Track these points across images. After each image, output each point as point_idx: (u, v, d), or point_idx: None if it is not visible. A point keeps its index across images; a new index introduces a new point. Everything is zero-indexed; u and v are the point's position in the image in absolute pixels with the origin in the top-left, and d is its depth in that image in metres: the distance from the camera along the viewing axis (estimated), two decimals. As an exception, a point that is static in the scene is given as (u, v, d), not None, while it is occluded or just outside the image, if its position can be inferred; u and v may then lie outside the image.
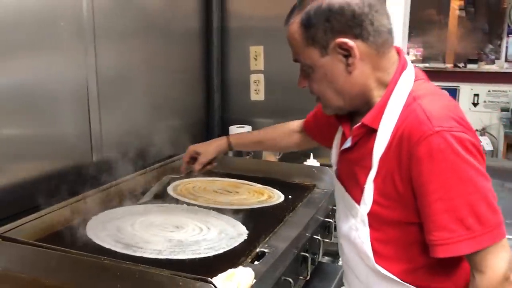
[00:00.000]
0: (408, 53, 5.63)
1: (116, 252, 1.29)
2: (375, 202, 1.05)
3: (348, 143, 1.13)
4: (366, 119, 1.06)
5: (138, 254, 1.28)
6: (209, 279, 1.04)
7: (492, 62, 5.34)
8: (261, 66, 2.50)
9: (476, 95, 5.16)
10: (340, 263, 1.68)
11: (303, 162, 2.18)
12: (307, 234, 1.48)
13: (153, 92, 2.14)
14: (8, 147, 1.47)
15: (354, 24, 1.00)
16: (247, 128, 2.43)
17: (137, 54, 2.02)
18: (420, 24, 5.58)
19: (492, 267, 0.94)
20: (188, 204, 1.71)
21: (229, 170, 2.10)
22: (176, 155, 2.09)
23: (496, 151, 5.02)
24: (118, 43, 1.90)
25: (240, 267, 1.13)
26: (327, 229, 1.67)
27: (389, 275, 1.07)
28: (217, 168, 2.08)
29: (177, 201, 1.74)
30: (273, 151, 2.15)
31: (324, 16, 1.00)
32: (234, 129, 2.42)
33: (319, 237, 1.54)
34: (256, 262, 1.23)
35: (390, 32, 1.05)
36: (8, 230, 1.33)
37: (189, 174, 1.73)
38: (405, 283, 1.06)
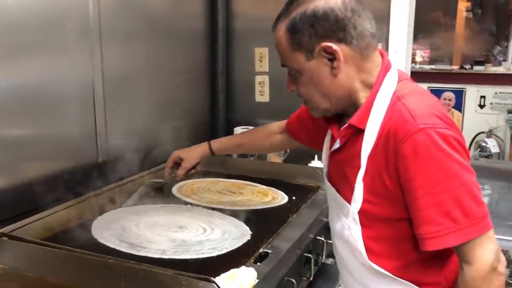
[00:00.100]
0: (415, 55, 5.62)
1: (120, 252, 1.30)
2: (365, 200, 1.08)
3: (337, 145, 1.16)
4: (353, 120, 1.09)
5: (142, 253, 1.29)
6: (212, 278, 1.05)
7: (499, 64, 5.31)
8: (266, 68, 2.51)
9: (483, 97, 5.13)
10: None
11: (307, 163, 2.19)
12: (310, 235, 1.49)
13: (158, 93, 2.16)
14: (14, 147, 1.49)
15: (337, 28, 1.03)
16: (252, 129, 2.44)
17: (142, 54, 2.04)
18: (427, 26, 5.56)
19: (480, 258, 0.97)
20: (192, 204, 1.72)
21: (233, 171, 2.11)
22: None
23: (502, 153, 4.99)
24: (124, 44, 1.92)
25: (243, 267, 1.14)
26: (331, 230, 1.67)
27: (383, 271, 1.10)
28: (221, 169, 2.10)
29: (181, 202, 1.75)
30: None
31: (308, 22, 1.04)
32: (239, 130, 2.42)
33: (322, 238, 1.54)
34: (259, 263, 1.24)
35: (373, 35, 1.08)
36: (15, 229, 1.35)
37: (172, 179, 1.74)
38: (398, 279, 1.09)
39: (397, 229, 1.08)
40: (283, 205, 1.75)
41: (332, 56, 1.05)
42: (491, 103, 5.12)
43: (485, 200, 2.13)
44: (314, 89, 1.10)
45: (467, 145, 5.23)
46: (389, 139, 1.01)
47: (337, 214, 1.19)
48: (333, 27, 1.03)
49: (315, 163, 2.19)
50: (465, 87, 5.21)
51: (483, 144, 4.96)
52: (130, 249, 1.31)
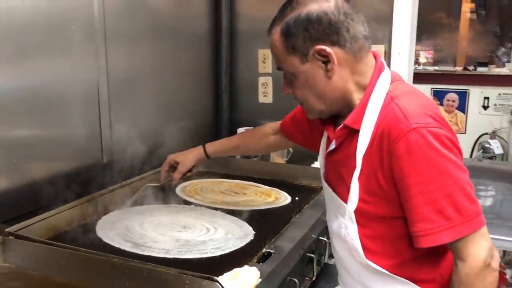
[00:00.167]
0: (419, 56, 5.61)
1: (125, 251, 1.31)
2: (361, 199, 1.10)
3: (332, 145, 1.18)
4: (348, 120, 1.11)
5: (146, 253, 1.30)
6: (215, 277, 1.06)
7: (503, 65, 5.30)
8: (269, 69, 2.52)
9: (486, 98, 5.12)
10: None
11: (310, 164, 2.19)
12: (313, 236, 1.50)
13: (162, 94, 2.17)
14: (19, 148, 1.51)
15: (331, 31, 1.05)
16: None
17: (147, 55, 2.05)
18: (430, 27, 5.55)
19: (473, 255, 0.99)
20: (196, 204, 1.73)
21: (237, 171, 2.12)
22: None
23: (506, 155, 4.98)
24: (129, 45, 1.93)
25: (246, 266, 1.15)
26: (334, 230, 1.68)
27: (380, 269, 1.11)
28: (224, 169, 2.11)
29: (185, 202, 1.76)
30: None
31: (302, 25, 1.06)
32: (242, 131, 2.43)
33: (325, 239, 1.55)
34: (262, 263, 1.25)
35: (366, 38, 1.10)
36: (21, 229, 1.36)
37: (168, 183, 1.75)
38: (395, 276, 1.11)
39: (392, 227, 1.10)
40: (286, 205, 1.76)
41: (326, 59, 1.07)
42: (495, 104, 5.11)
43: (489, 201, 2.14)
44: (309, 91, 1.12)
45: (471, 146, 5.25)
46: (383, 139, 1.03)
47: (334, 214, 1.21)
48: (327, 30, 1.05)
49: (318, 164, 2.19)
50: (468, 88, 5.20)
51: (487, 145, 4.95)
52: (134, 249, 1.33)
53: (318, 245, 1.53)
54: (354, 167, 1.09)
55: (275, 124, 1.61)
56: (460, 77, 5.30)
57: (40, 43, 1.54)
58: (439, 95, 5.30)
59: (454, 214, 0.98)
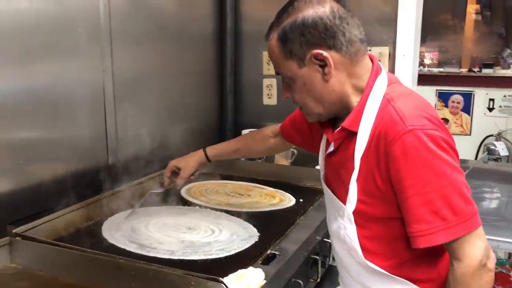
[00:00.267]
0: (424, 58, 5.60)
1: (130, 252, 1.32)
2: (359, 200, 1.11)
3: (331, 148, 1.19)
4: (346, 123, 1.13)
5: (151, 254, 1.31)
6: (220, 279, 1.06)
7: (509, 67, 5.27)
8: (273, 71, 2.51)
9: (492, 100, 5.10)
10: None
11: (314, 166, 2.19)
12: (317, 237, 1.50)
13: (167, 95, 2.18)
14: (25, 149, 1.52)
15: (327, 36, 1.07)
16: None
17: (152, 57, 2.06)
18: (436, 28, 5.54)
19: (469, 255, 1.01)
20: (201, 206, 1.74)
21: (242, 173, 2.13)
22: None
23: (511, 157, 4.96)
24: (134, 47, 1.94)
25: (251, 268, 1.15)
26: (338, 232, 1.68)
27: (378, 269, 1.12)
28: (229, 171, 2.12)
29: (190, 203, 1.77)
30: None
31: (299, 31, 1.07)
32: (246, 133, 2.44)
33: (329, 241, 1.55)
34: (266, 264, 1.25)
35: (362, 41, 1.11)
36: (27, 230, 1.37)
37: (172, 188, 1.75)
38: (393, 276, 1.12)
39: (390, 228, 1.11)
40: (291, 207, 1.76)
41: (323, 63, 1.08)
42: (500, 106, 5.08)
43: (494, 203, 2.14)
44: (307, 95, 1.13)
45: (476, 148, 5.23)
46: (380, 140, 1.05)
47: (334, 215, 1.22)
48: (323, 34, 1.06)
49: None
50: (473, 90, 5.18)
51: (492, 147, 4.92)
52: (140, 250, 1.33)
53: (323, 246, 1.53)
54: (352, 169, 1.10)
55: (275, 127, 1.62)
56: (465, 79, 5.27)
57: (46, 44, 1.55)
58: (444, 97, 5.28)
59: (450, 215, 0.99)
